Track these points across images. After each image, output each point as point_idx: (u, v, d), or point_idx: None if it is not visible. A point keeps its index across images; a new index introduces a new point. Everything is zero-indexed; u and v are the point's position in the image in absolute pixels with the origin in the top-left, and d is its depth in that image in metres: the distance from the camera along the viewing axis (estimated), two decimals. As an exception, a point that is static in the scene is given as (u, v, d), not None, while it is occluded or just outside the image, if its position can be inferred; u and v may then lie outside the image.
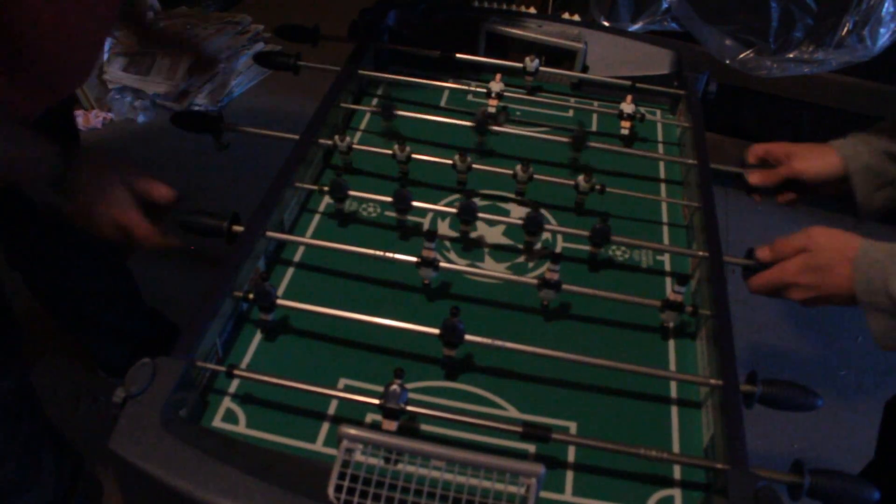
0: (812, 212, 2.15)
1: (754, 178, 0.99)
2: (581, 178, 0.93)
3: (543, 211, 0.97)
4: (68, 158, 0.79)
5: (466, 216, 0.87)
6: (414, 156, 0.96)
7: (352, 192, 0.91)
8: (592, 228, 0.86)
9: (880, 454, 1.15)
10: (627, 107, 1.06)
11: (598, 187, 0.93)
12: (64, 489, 1.25)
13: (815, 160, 0.94)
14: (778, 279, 0.82)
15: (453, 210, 0.88)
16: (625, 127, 1.06)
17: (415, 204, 0.89)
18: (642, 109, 1.07)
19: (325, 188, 0.90)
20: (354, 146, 0.97)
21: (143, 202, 0.84)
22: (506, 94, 1.09)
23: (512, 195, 0.98)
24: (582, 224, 0.90)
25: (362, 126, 1.09)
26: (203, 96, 2.42)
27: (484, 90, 1.08)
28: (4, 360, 1.04)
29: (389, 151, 0.96)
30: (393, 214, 0.91)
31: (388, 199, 0.88)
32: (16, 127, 0.78)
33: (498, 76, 1.06)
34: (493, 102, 1.06)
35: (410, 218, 0.91)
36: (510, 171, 0.94)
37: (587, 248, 0.90)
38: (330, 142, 0.96)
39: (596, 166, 1.04)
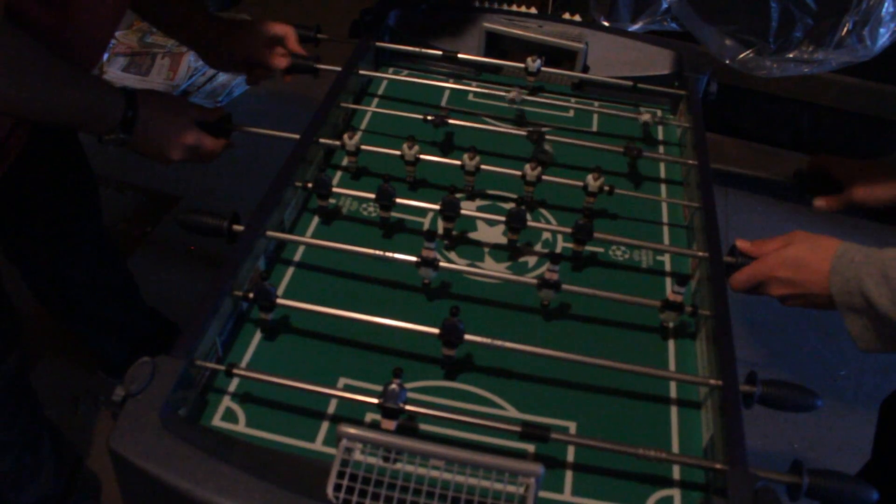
0: (815, 213, 2.15)
1: (819, 202, 1.01)
2: (590, 177, 0.92)
3: (544, 211, 0.97)
4: (135, 103, 0.87)
5: (450, 212, 0.87)
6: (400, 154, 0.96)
7: (353, 193, 0.92)
8: (575, 225, 0.86)
9: (876, 454, 1.15)
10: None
11: (606, 188, 0.93)
12: (63, 486, 1.25)
13: (876, 189, 0.96)
14: (758, 273, 0.82)
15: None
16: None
17: (414, 204, 0.89)
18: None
19: (309, 185, 0.90)
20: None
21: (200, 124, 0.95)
22: (506, 94, 1.09)
23: (513, 195, 0.98)
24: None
25: (362, 126, 1.09)
26: (203, 96, 2.42)
27: (484, 91, 1.08)
28: (3, 345, 1.04)
29: (394, 151, 0.96)
30: (393, 214, 0.91)
31: (412, 203, 0.88)
32: (90, 77, 0.84)
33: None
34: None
35: (395, 214, 0.91)
36: (507, 171, 0.94)
37: (585, 247, 0.90)
38: (338, 142, 0.96)
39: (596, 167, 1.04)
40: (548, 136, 1.04)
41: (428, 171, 0.98)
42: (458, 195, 0.97)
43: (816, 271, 0.78)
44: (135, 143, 0.89)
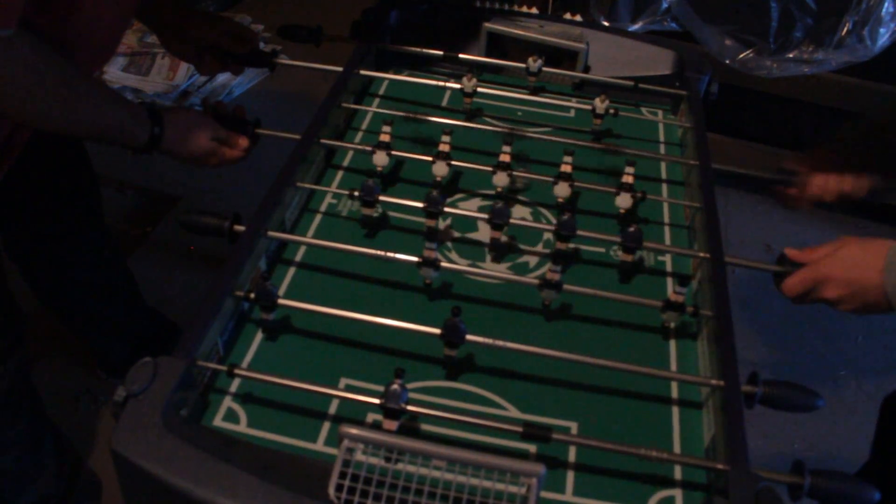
0: (816, 213, 2.15)
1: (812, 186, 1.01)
2: (628, 196, 0.93)
3: (542, 210, 0.97)
4: (161, 120, 0.89)
5: (433, 209, 0.87)
6: (413, 156, 0.96)
7: (356, 193, 0.92)
8: (560, 222, 0.85)
9: (876, 452, 1.15)
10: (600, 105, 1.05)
11: (638, 194, 0.93)
12: (64, 486, 1.25)
13: (830, 181, 0.98)
14: (811, 275, 0.82)
15: (454, 210, 0.88)
16: (596, 124, 1.07)
17: (413, 204, 0.88)
18: (642, 108, 1.07)
19: (356, 192, 0.88)
20: (356, 146, 0.96)
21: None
22: (508, 94, 1.10)
23: (514, 196, 0.98)
24: (583, 225, 0.90)
25: (363, 126, 1.09)
26: (203, 96, 2.42)
27: (487, 90, 1.09)
28: (6, 345, 1.04)
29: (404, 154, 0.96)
30: (393, 214, 0.91)
31: (401, 201, 0.88)
32: (120, 96, 0.88)
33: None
34: (468, 100, 1.07)
35: (396, 215, 0.92)
36: (539, 177, 0.95)
37: (587, 247, 0.90)
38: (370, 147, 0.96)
39: (597, 166, 1.04)
40: (546, 137, 1.04)
41: (422, 172, 0.98)
42: (458, 196, 0.97)
43: (871, 267, 0.78)
44: (163, 152, 0.93)
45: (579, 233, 0.87)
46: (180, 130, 0.92)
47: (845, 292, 0.80)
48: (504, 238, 0.90)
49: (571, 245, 0.89)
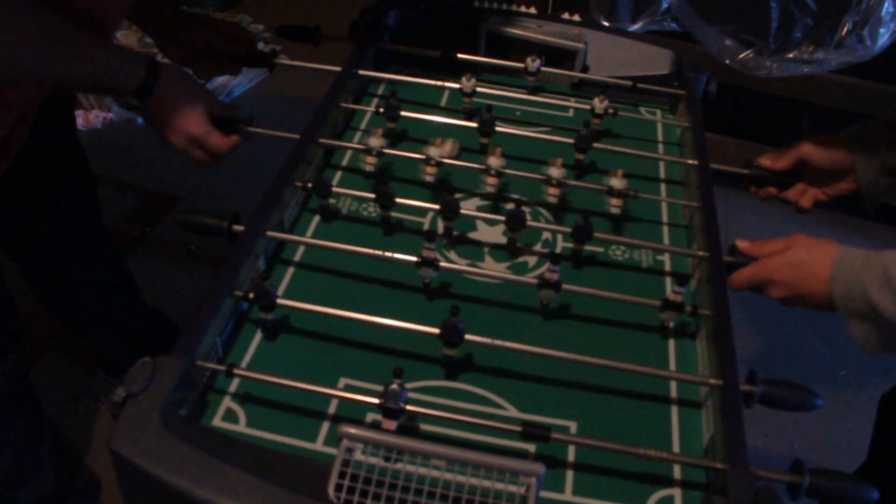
0: (816, 213, 2.15)
1: (765, 160, 1.00)
2: (615, 179, 0.93)
3: (542, 210, 0.97)
4: (156, 72, 0.85)
5: (450, 213, 0.87)
6: (413, 155, 0.96)
7: (354, 193, 0.92)
8: (508, 213, 0.86)
9: (874, 451, 1.14)
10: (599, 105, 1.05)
11: (632, 192, 0.93)
12: (63, 486, 1.25)
13: (821, 146, 0.96)
14: (758, 275, 0.82)
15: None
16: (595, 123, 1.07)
17: (414, 203, 0.89)
18: (640, 108, 1.07)
19: (309, 185, 0.90)
20: (355, 146, 0.96)
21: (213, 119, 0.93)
22: (507, 93, 1.10)
23: (514, 196, 0.98)
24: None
25: (362, 126, 1.09)
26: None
27: (486, 90, 1.09)
28: (4, 344, 1.04)
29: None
30: (392, 214, 0.91)
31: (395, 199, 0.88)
32: (108, 40, 0.85)
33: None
34: (467, 100, 1.08)
35: (395, 214, 0.92)
36: (529, 175, 0.95)
37: (585, 247, 0.90)
38: (362, 145, 0.96)
39: (597, 166, 1.04)
40: (545, 136, 1.05)
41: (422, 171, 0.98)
42: (457, 195, 0.97)
43: (817, 276, 0.78)
44: (148, 112, 0.89)
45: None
46: (175, 91, 0.88)
47: (790, 295, 0.80)
48: (456, 232, 0.92)
49: (520, 240, 0.90)
